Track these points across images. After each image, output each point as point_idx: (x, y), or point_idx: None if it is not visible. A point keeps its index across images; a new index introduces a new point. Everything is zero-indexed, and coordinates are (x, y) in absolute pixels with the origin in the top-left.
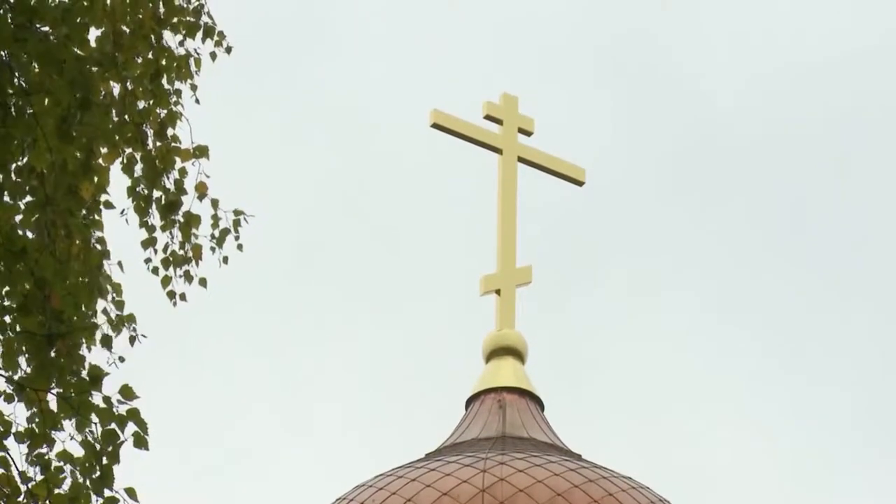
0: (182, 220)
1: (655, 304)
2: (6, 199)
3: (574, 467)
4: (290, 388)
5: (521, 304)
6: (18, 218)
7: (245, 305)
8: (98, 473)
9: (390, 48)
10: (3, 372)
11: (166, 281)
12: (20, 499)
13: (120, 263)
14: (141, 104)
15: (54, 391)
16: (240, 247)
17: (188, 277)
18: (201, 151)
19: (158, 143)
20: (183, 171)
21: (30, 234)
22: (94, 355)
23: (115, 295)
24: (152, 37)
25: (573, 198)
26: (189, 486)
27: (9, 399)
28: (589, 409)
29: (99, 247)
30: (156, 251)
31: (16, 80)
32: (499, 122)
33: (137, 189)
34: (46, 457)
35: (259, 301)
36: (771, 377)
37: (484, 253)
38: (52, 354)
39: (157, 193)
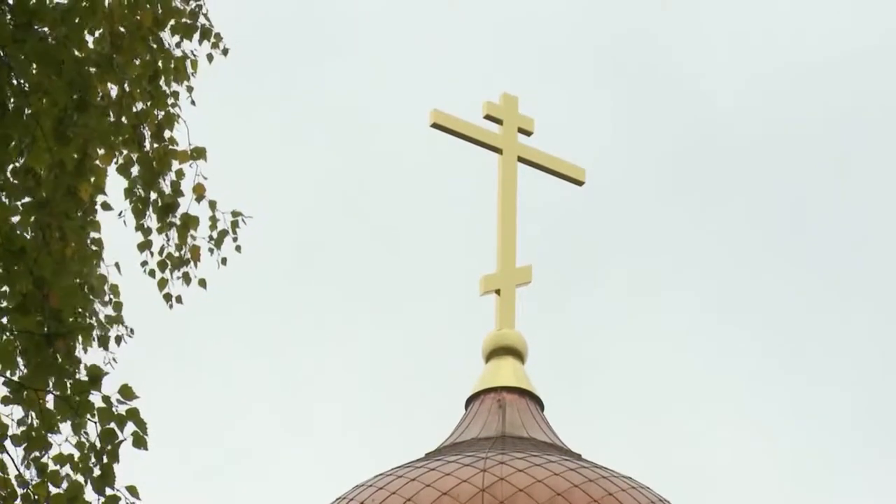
0: (179, 221)
1: (655, 304)
2: (3, 199)
3: (574, 467)
4: (290, 388)
5: (520, 303)
6: (17, 219)
7: (244, 306)
8: (98, 472)
9: (390, 48)
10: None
11: (163, 283)
12: (17, 502)
13: (117, 265)
14: (139, 106)
15: (53, 393)
16: (238, 248)
17: (187, 279)
18: (199, 153)
19: (156, 145)
20: (180, 173)
21: (28, 234)
22: (91, 355)
23: (112, 296)
24: (150, 38)
25: (573, 198)
26: (189, 487)
27: (6, 401)
28: (589, 408)
29: (95, 248)
30: (152, 254)
31: (14, 80)
32: (499, 122)
33: (134, 191)
34: (43, 460)
35: (258, 301)
36: (771, 377)
37: (484, 253)
38: (51, 354)
39: (153, 195)
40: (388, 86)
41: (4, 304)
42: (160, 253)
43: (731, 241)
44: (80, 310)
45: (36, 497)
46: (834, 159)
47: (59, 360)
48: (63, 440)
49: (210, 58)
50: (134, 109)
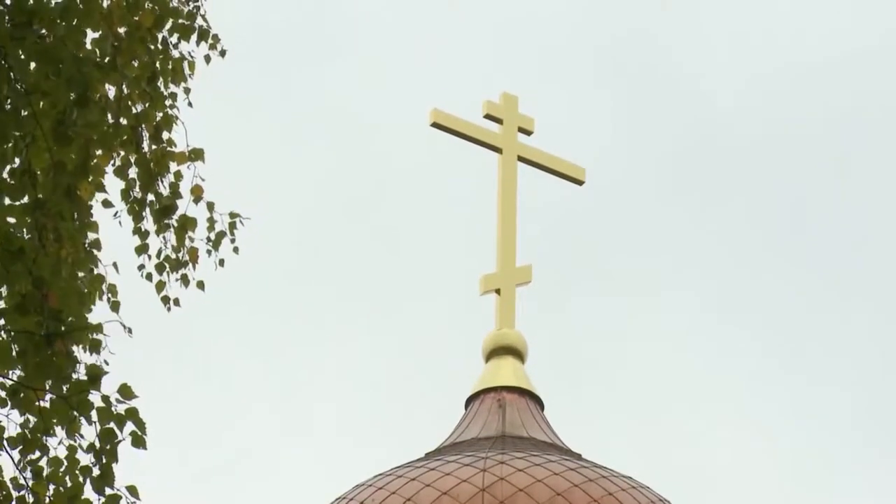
0: (177, 223)
1: (655, 303)
2: (3, 199)
3: (574, 467)
4: (290, 388)
5: (520, 303)
6: (14, 219)
7: (244, 306)
8: (98, 472)
9: (390, 48)
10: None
11: (160, 286)
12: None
13: (115, 265)
14: (137, 107)
15: (49, 395)
16: (236, 249)
17: (185, 281)
18: (196, 154)
19: (153, 147)
20: (178, 175)
21: (26, 235)
22: (90, 356)
23: (110, 296)
24: (148, 40)
25: (573, 197)
26: (188, 487)
27: (2, 403)
28: (589, 408)
29: (95, 251)
30: (149, 257)
31: (13, 80)
32: (499, 121)
33: (131, 192)
34: (39, 463)
35: (258, 302)
36: (771, 377)
37: (484, 252)
38: (50, 354)
39: (150, 197)
40: (387, 85)
41: (2, 304)
42: (158, 255)
43: (731, 241)
44: (84, 303)
45: (32, 500)
46: (834, 159)
47: (58, 360)
48: (58, 443)
49: (208, 59)
50: (133, 111)
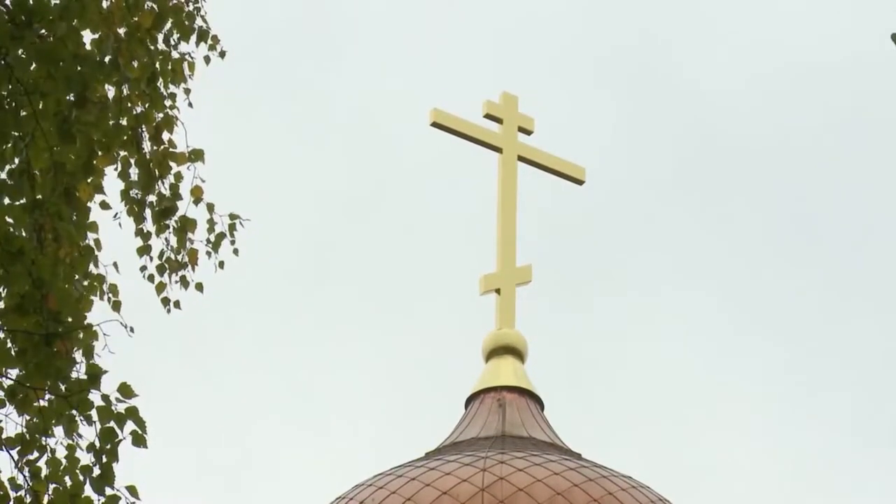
0: (177, 224)
1: (655, 303)
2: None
3: (574, 466)
4: (290, 388)
5: (520, 303)
6: (12, 220)
7: (245, 306)
8: (98, 472)
9: (390, 47)
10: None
11: (161, 287)
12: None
13: (115, 265)
14: (137, 108)
15: (48, 396)
16: (236, 251)
17: (184, 282)
18: (197, 155)
19: (154, 148)
20: (178, 176)
21: (25, 236)
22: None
23: (111, 296)
24: (148, 40)
25: (573, 197)
26: (189, 486)
27: (1, 404)
28: (589, 408)
29: (95, 251)
30: (151, 258)
31: (13, 80)
32: (499, 120)
33: (131, 193)
34: (38, 464)
35: (259, 302)
36: (771, 376)
37: (484, 252)
38: (50, 355)
39: (151, 198)
40: (388, 85)
41: (1, 304)
42: (160, 257)
43: (732, 241)
44: (80, 307)
45: (30, 500)
46: (834, 159)
47: (58, 360)
48: (57, 443)
49: (207, 60)
50: (134, 112)
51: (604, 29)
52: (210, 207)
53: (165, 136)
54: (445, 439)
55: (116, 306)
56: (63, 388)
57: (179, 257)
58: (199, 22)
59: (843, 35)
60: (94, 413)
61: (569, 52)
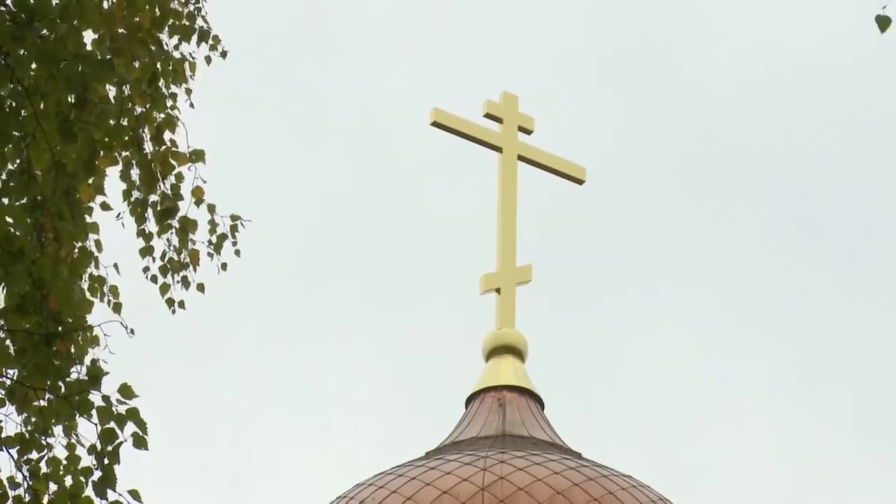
0: (178, 225)
1: (656, 302)
2: (2, 200)
3: (574, 465)
4: (290, 387)
5: (521, 302)
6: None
7: (246, 306)
8: (100, 474)
9: (391, 47)
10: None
11: (164, 288)
12: (8, 503)
13: (116, 266)
14: (138, 109)
15: (50, 393)
16: (237, 252)
17: (185, 283)
18: (198, 156)
19: (154, 148)
20: (179, 176)
21: (25, 235)
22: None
23: (111, 297)
24: (149, 41)
25: (573, 196)
26: (190, 486)
27: (1, 403)
28: (589, 407)
29: (96, 251)
30: (153, 259)
31: (13, 80)
32: (499, 120)
33: (133, 193)
34: (37, 462)
35: (260, 302)
36: (771, 376)
37: (484, 251)
38: (50, 355)
39: (153, 198)
40: (388, 84)
41: (2, 304)
42: (162, 258)
43: (732, 241)
44: (79, 313)
45: (29, 499)
46: (834, 159)
47: (59, 360)
48: (56, 442)
49: (208, 60)
50: (135, 112)
51: (604, 29)
52: (211, 208)
53: (167, 136)
54: (446, 439)
55: (117, 308)
56: (63, 388)
57: (181, 257)
58: (199, 22)
59: (843, 35)
60: (94, 414)
61: (569, 51)
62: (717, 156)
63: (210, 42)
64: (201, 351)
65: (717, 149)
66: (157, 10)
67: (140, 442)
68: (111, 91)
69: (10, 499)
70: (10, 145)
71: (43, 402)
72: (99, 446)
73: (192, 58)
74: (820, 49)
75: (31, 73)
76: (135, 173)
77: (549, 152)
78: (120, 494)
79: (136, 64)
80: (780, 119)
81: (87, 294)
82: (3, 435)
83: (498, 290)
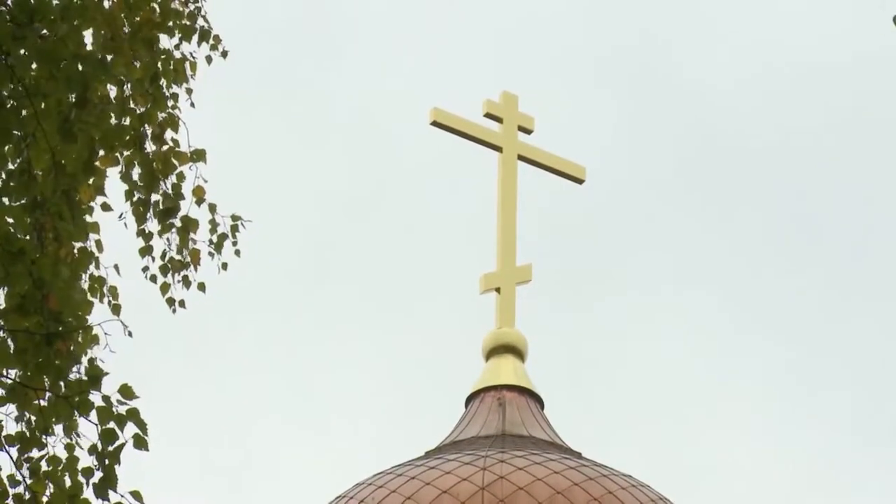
0: (179, 224)
1: (656, 302)
2: (3, 200)
3: (574, 465)
4: (291, 387)
5: (521, 302)
6: (12, 220)
7: (246, 306)
8: (100, 475)
9: (391, 47)
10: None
11: (165, 288)
12: (8, 501)
13: (116, 267)
14: (140, 109)
15: (50, 392)
16: (237, 252)
17: (186, 282)
18: (199, 155)
19: (155, 148)
20: (181, 176)
21: (26, 236)
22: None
23: (111, 298)
24: (150, 40)
25: (573, 196)
26: (190, 485)
27: (1, 401)
28: (589, 407)
29: (97, 251)
30: (153, 259)
31: (14, 81)
32: (499, 120)
33: (135, 193)
34: (37, 461)
35: (259, 302)
36: (771, 376)
37: (484, 251)
38: (50, 354)
39: (154, 198)
40: (388, 84)
41: (2, 304)
42: (162, 257)
43: (732, 240)
44: (79, 313)
45: (29, 497)
46: (834, 159)
47: (59, 360)
48: (56, 441)
49: (209, 60)
50: (137, 111)
51: (604, 28)
52: (212, 208)
53: (169, 135)
54: (445, 438)
55: (116, 309)
56: (63, 388)
57: (181, 257)
58: (200, 22)
59: (843, 35)
60: (94, 415)
61: (569, 51)
62: (717, 156)
63: (211, 42)
64: (201, 351)
65: (716, 149)
66: (157, 9)
67: (140, 443)
68: (112, 91)
69: (11, 497)
70: (11, 145)
71: (43, 402)
72: (100, 447)
73: (193, 57)
74: (820, 49)
75: (32, 73)
76: (136, 173)
77: (548, 152)
78: (122, 495)
79: (138, 64)
80: (779, 119)
81: (88, 295)
82: (4, 433)
83: (498, 290)
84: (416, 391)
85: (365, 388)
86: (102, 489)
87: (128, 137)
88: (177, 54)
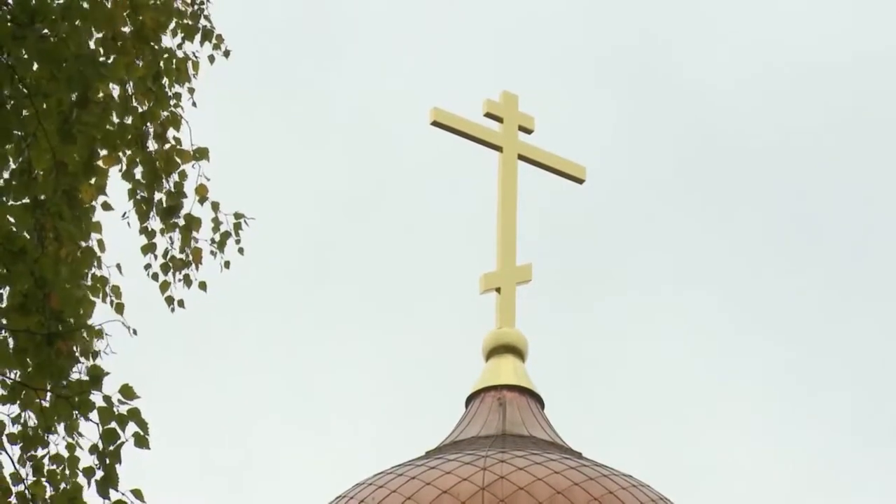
0: (182, 222)
1: (656, 302)
2: (3, 199)
3: (574, 465)
4: (291, 387)
5: (521, 302)
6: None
7: (247, 306)
8: (102, 474)
9: (391, 47)
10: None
11: (165, 286)
12: (11, 499)
13: (118, 266)
14: (142, 107)
15: (51, 392)
16: (241, 250)
17: (188, 281)
18: (201, 154)
19: (157, 147)
20: (183, 174)
21: (27, 235)
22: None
23: (113, 298)
24: (152, 40)
25: (573, 195)
26: (191, 485)
27: (3, 400)
28: (589, 407)
29: (98, 250)
30: (155, 256)
31: (15, 80)
32: (499, 119)
33: (138, 192)
34: (41, 459)
35: (260, 301)
36: (771, 376)
37: (484, 251)
38: (52, 354)
39: (157, 196)
40: (388, 84)
41: (4, 304)
42: (164, 255)
43: (732, 241)
44: (81, 312)
45: (30, 496)
46: (834, 159)
47: (60, 360)
48: (58, 440)
49: (211, 59)
50: (139, 110)
51: (604, 28)
52: (215, 206)
53: (171, 133)
54: (446, 438)
55: (119, 308)
56: (66, 384)
57: (183, 255)
58: (202, 22)
59: (843, 35)
60: (95, 415)
61: (569, 51)
62: (717, 156)
63: (213, 41)
64: (202, 350)
65: (716, 149)
66: (159, 5)
67: (141, 442)
68: (115, 90)
69: (14, 494)
70: (12, 145)
71: (45, 402)
72: (101, 446)
73: (196, 57)
74: (820, 49)
75: (33, 73)
76: (138, 171)
77: (549, 152)
78: (123, 494)
79: (140, 63)
80: (779, 119)
81: (90, 294)
82: (7, 432)
83: (498, 290)
84: (416, 391)
85: (365, 388)
86: (104, 488)
87: (130, 136)
88: (179, 54)
